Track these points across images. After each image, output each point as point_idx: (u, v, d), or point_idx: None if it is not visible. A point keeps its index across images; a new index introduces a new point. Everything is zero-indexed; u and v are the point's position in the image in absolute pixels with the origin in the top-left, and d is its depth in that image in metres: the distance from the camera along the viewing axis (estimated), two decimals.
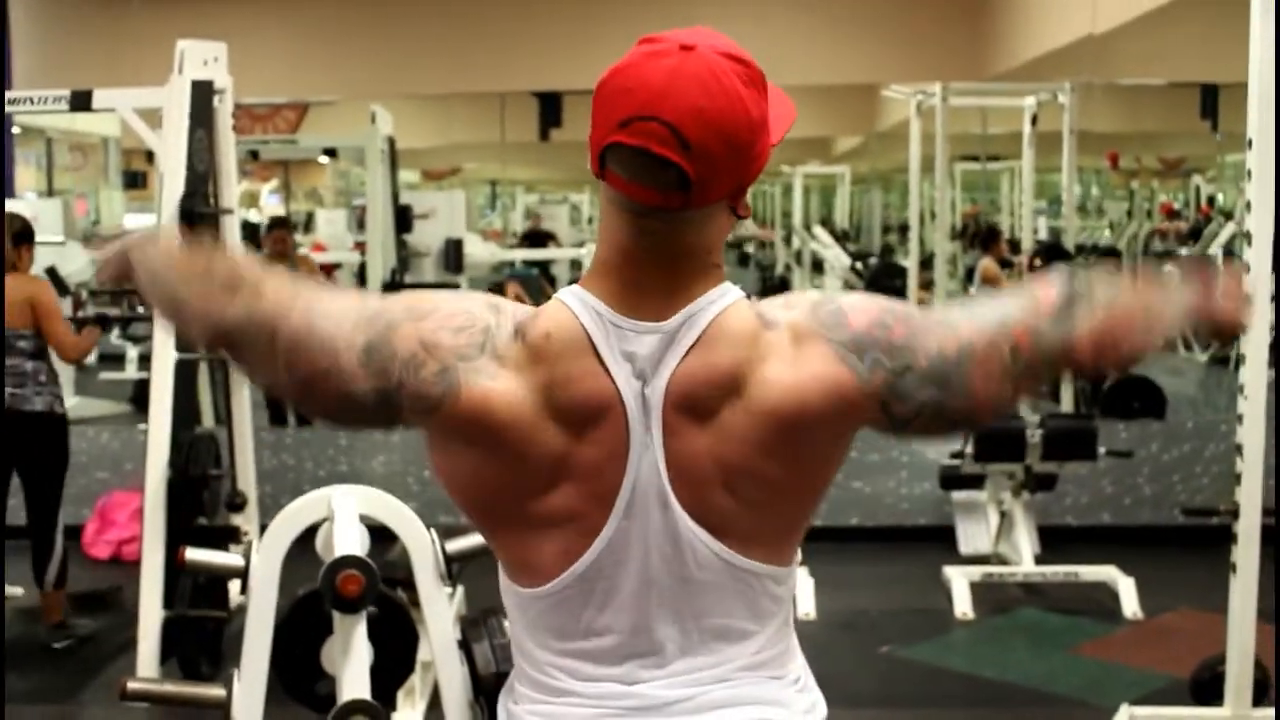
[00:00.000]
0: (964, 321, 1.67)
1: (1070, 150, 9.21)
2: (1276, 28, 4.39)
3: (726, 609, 1.70)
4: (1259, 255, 4.61)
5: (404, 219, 9.04)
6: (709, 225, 1.63)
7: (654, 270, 1.63)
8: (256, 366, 1.68)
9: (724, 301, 1.64)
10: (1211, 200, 13.14)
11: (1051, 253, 8.89)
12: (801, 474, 1.69)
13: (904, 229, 12.07)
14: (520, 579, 1.71)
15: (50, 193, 13.17)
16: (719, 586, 1.69)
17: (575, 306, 1.63)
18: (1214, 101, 10.83)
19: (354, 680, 3.01)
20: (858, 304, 1.67)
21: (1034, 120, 9.20)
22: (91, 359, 6.12)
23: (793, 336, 1.64)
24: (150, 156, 13.78)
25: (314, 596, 3.29)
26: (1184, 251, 11.70)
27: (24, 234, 5.70)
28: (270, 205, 15.80)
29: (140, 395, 9.77)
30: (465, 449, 1.65)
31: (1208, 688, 4.81)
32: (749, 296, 1.68)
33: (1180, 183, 14.12)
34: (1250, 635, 4.66)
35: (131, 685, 3.37)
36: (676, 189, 1.56)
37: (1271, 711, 4.74)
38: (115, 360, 10.92)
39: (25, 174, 12.94)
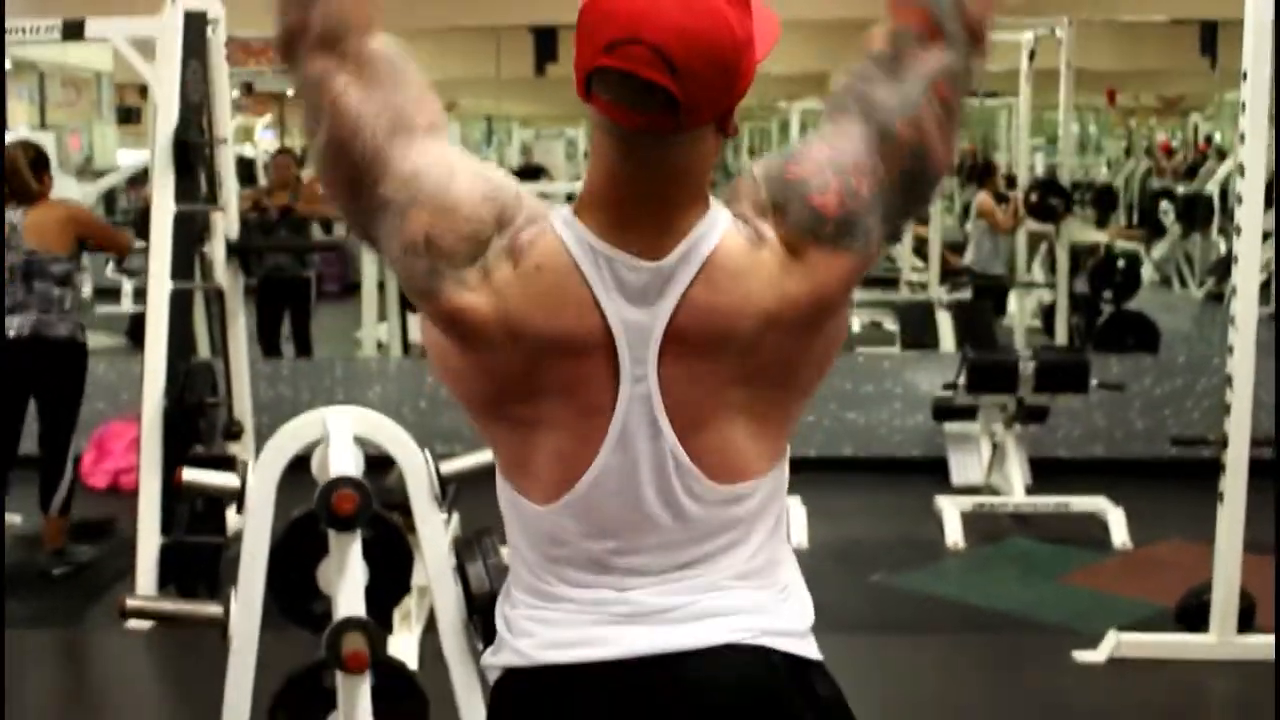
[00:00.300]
0: (857, 100, 1.72)
1: (1068, 86, 9.20)
2: None
3: (715, 527, 1.74)
4: (1251, 187, 4.66)
5: None
6: (698, 147, 1.64)
7: (646, 196, 1.64)
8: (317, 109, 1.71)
9: (717, 232, 1.66)
10: (1209, 138, 13.15)
11: (1047, 188, 8.94)
12: (805, 366, 1.74)
13: None
14: (515, 480, 1.75)
15: (43, 127, 13.15)
16: (708, 510, 1.72)
17: (568, 238, 1.64)
18: (1213, 38, 10.81)
19: (349, 598, 3.02)
20: (815, 188, 1.67)
21: (1031, 55, 9.21)
22: (86, 291, 6.21)
23: (786, 250, 1.67)
24: (144, 91, 13.74)
25: (309, 518, 3.30)
26: (1180, 189, 11.73)
27: (41, 161, 5.77)
28: (265, 140, 15.80)
29: (136, 329, 9.80)
30: (447, 338, 1.69)
31: (1194, 615, 4.90)
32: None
33: (1179, 121, 14.11)
34: (1236, 563, 4.75)
35: (130, 603, 3.41)
36: (665, 111, 1.56)
37: (1256, 638, 4.83)
38: (111, 294, 11.01)
39: (18, 108, 12.93)
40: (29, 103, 13.47)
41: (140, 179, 12.62)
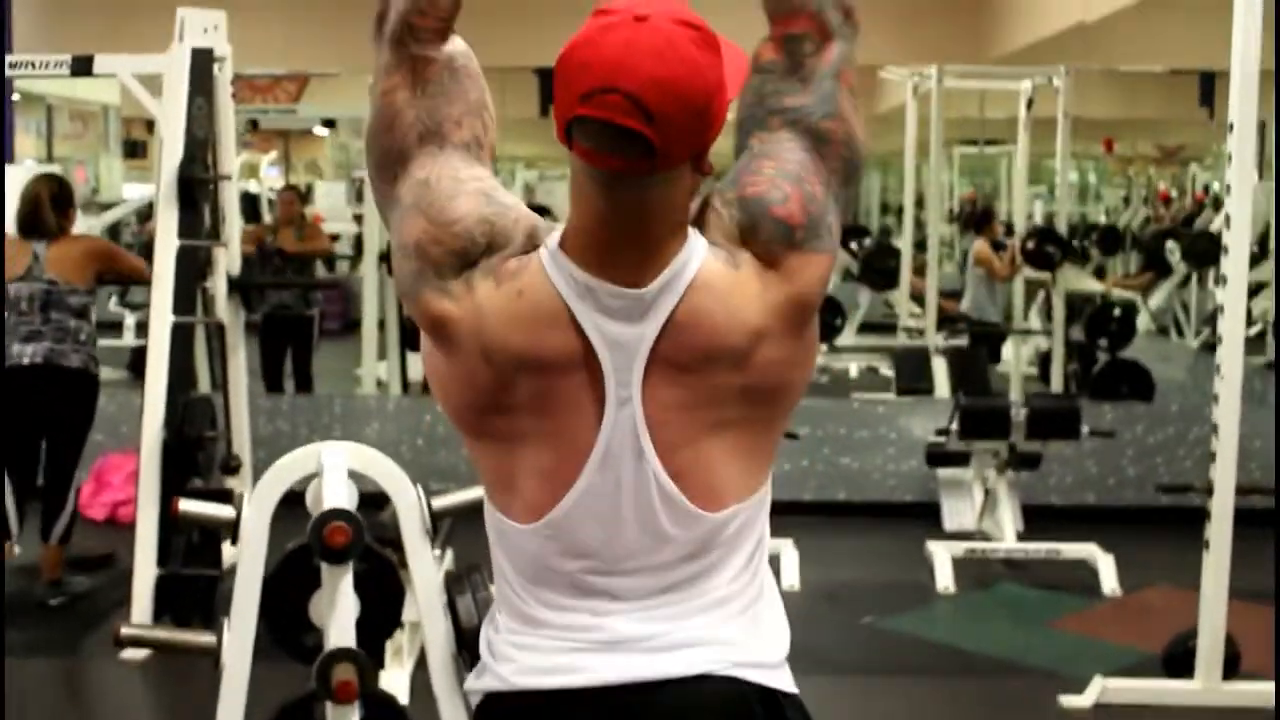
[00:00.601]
0: (769, 99, 1.79)
1: (1064, 134, 9.26)
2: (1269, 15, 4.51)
3: (694, 553, 1.77)
4: (1237, 238, 4.72)
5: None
6: (675, 186, 1.69)
7: (627, 234, 1.69)
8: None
9: (697, 259, 1.71)
10: (1207, 188, 13.21)
11: (1044, 236, 9.00)
12: (797, 372, 1.79)
13: (901, 211, 12.14)
14: (498, 498, 1.80)
15: (50, 159, 13.21)
16: (688, 534, 1.76)
17: (551, 269, 1.70)
18: (1211, 89, 10.85)
19: (340, 629, 3.06)
20: (779, 198, 1.74)
21: (1029, 104, 9.28)
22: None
23: (762, 264, 1.73)
24: (150, 125, 13.83)
25: (304, 550, 3.35)
26: (1170, 242, 11.77)
27: (65, 196, 5.87)
28: (270, 177, 15.88)
29: (137, 362, 9.82)
30: (430, 340, 1.77)
31: (1180, 661, 4.93)
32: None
33: (1177, 170, 14.15)
34: (1222, 610, 4.77)
35: (125, 631, 3.43)
36: (642, 156, 1.62)
37: (1241, 685, 4.85)
38: (113, 327, 10.99)
39: (25, 141, 12.99)
40: (36, 136, 13.54)
41: (146, 213, 12.69)
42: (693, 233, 1.74)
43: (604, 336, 1.70)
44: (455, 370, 1.74)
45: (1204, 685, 4.82)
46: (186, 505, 3.36)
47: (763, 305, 1.72)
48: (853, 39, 1.83)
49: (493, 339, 1.70)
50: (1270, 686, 4.85)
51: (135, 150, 14.34)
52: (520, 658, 1.80)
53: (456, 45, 1.81)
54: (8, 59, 5.89)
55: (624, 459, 1.73)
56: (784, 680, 1.82)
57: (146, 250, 7.36)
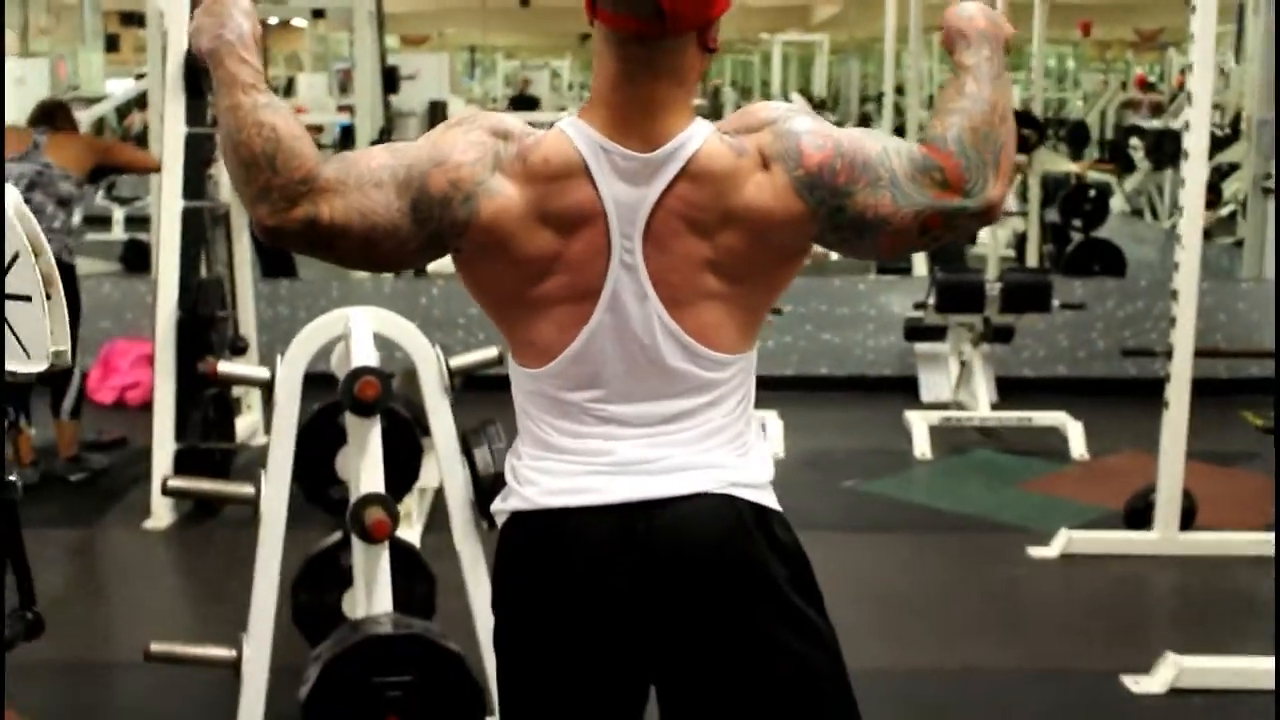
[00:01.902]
0: (893, 160, 1.93)
1: (1041, 19, 9.30)
2: None
3: (691, 388, 1.97)
4: (1198, 114, 4.92)
5: (391, 80, 9.14)
6: (683, 55, 1.90)
7: (639, 98, 1.89)
8: (317, 223, 1.88)
9: (700, 137, 1.91)
10: (1183, 72, 13.28)
11: (1020, 119, 9.11)
12: (763, 270, 1.97)
13: (881, 98, 12.19)
14: (523, 358, 2.00)
15: (27, 53, 13.16)
16: (686, 370, 1.96)
17: (572, 134, 1.91)
18: None
19: (370, 476, 3.23)
20: (812, 141, 1.92)
21: None
22: (76, 219, 6.37)
23: (760, 161, 1.92)
24: (127, 19, 13.79)
25: (330, 409, 3.59)
26: (1155, 124, 11.89)
27: (73, 120, 6.11)
28: None
29: (129, 254, 9.98)
30: (483, 256, 1.93)
31: (1140, 515, 5.21)
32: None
33: (1156, 55, 14.10)
34: (1179, 465, 5.02)
35: (172, 483, 3.63)
36: (654, 17, 1.83)
37: (1196, 535, 5.12)
38: (102, 222, 11.06)
39: None
40: (11, 31, 13.45)
41: (127, 109, 12.69)
42: (699, 118, 1.94)
43: (613, 194, 1.89)
44: (510, 259, 1.91)
45: (1162, 535, 5.09)
46: (225, 366, 3.59)
47: (742, 198, 1.91)
48: (969, 217, 1.95)
49: (540, 201, 1.89)
50: (1227, 536, 5.20)
51: (114, 44, 14.25)
52: (542, 481, 1.99)
53: (327, 165, 1.87)
54: None
55: (630, 302, 1.91)
56: (770, 499, 2.01)
57: (139, 142, 7.46)
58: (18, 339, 2.22)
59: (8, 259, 2.17)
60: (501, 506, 2.06)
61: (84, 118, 11.33)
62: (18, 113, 6.81)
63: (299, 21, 15.15)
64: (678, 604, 1.97)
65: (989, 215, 1.96)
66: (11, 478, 2.77)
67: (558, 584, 2.00)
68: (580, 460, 1.99)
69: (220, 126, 1.88)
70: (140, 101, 9.79)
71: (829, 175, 1.91)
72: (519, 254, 1.91)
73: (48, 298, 2.21)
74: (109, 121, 12.69)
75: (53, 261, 2.17)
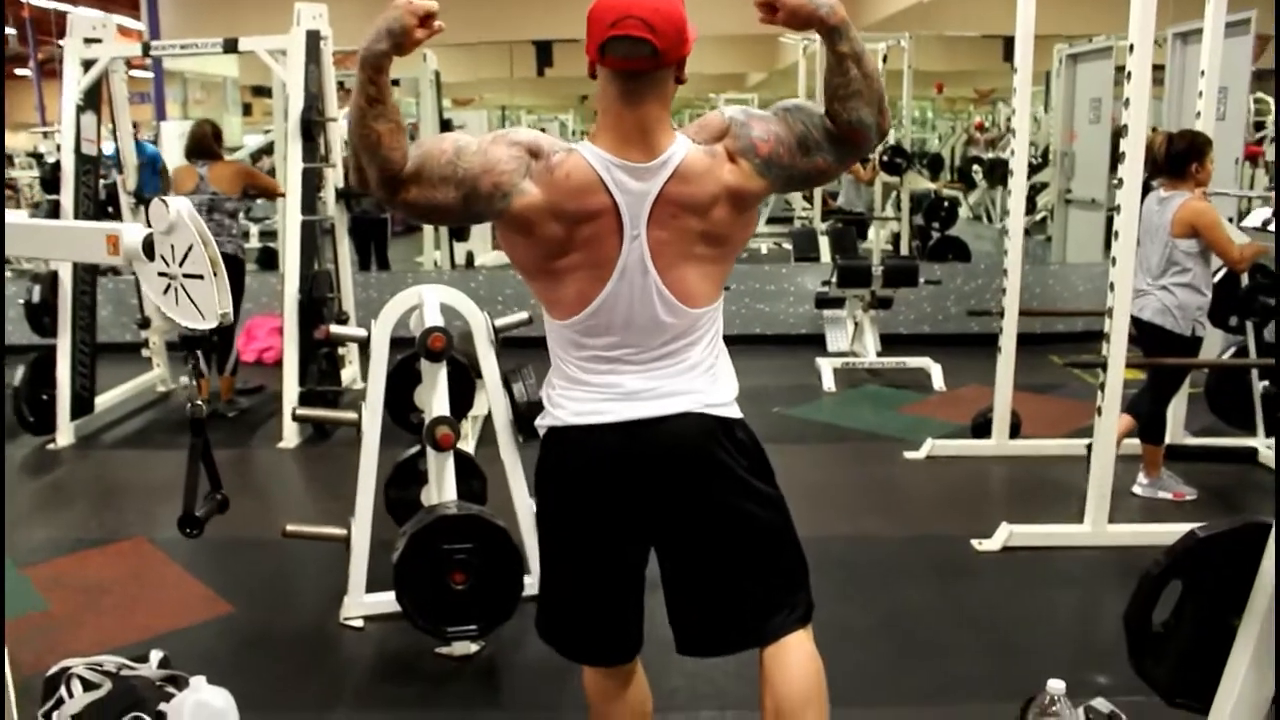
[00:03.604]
0: (815, 134, 1.95)
1: (908, 82, 9.35)
2: None
3: (677, 335, 1.97)
4: (1019, 146, 4.91)
5: (447, 129, 9.15)
6: (666, 84, 1.90)
7: (638, 118, 1.87)
8: (394, 200, 1.92)
9: (683, 150, 1.91)
10: (1009, 119, 13.27)
11: (895, 152, 9.09)
12: (738, 230, 1.97)
13: None
14: (554, 313, 2.00)
15: (187, 118, 13.11)
16: (674, 323, 1.95)
17: (587, 155, 1.89)
18: (1012, 48, 10.82)
19: (439, 404, 3.26)
20: (760, 137, 1.93)
21: (884, 59, 9.35)
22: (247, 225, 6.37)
23: (728, 157, 1.93)
24: (258, 91, 13.70)
25: (409, 359, 3.56)
26: (990, 155, 11.87)
27: (218, 134, 5.95)
28: (341, 124, 15.67)
29: (262, 258, 9.92)
30: (516, 234, 1.93)
31: (982, 428, 5.25)
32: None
33: (990, 107, 14.12)
34: (1008, 393, 5.05)
35: (299, 411, 3.63)
36: (650, 56, 1.84)
37: (1021, 442, 5.13)
38: (242, 235, 11.04)
39: (169, 106, 12.93)
40: (176, 102, 13.43)
41: (258, 155, 12.65)
42: (680, 135, 1.93)
43: (623, 191, 1.88)
44: (534, 239, 1.90)
45: (997, 442, 5.14)
46: (335, 328, 3.57)
47: (722, 183, 1.92)
48: (877, 139, 1.98)
49: (557, 204, 1.88)
50: (1041, 442, 5.23)
51: (248, 110, 14.17)
52: (569, 405, 2.01)
53: (409, 160, 1.88)
54: (179, 41, 5.95)
55: (635, 273, 1.91)
56: (734, 411, 2.04)
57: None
58: (195, 305, 2.22)
59: (183, 251, 2.17)
60: (541, 423, 2.08)
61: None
62: (178, 160, 6.75)
63: None
64: (668, 489, 1.99)
65: (884, 138, 2.05)
66: (199, 402, 2.79)
67: (583, 477, 2.02)
68: (597, 390, 1.99)
69: (349, 115, 1.88)
70: (268, 150, 9.75)
71: (776, 159, 1.94)
72: (539, 237, 1.91)
73: (214, 275, 2.21)
74: (246, 164, 12.63)
75: (218, 250, 2.17)
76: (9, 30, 19.79)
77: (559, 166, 1.89)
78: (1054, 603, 3.71)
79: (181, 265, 2.17)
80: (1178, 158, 4.32)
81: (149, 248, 2.23)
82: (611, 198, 1.88)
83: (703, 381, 2.00)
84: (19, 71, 21.84)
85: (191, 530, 2.94)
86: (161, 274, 2.21)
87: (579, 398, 2.00)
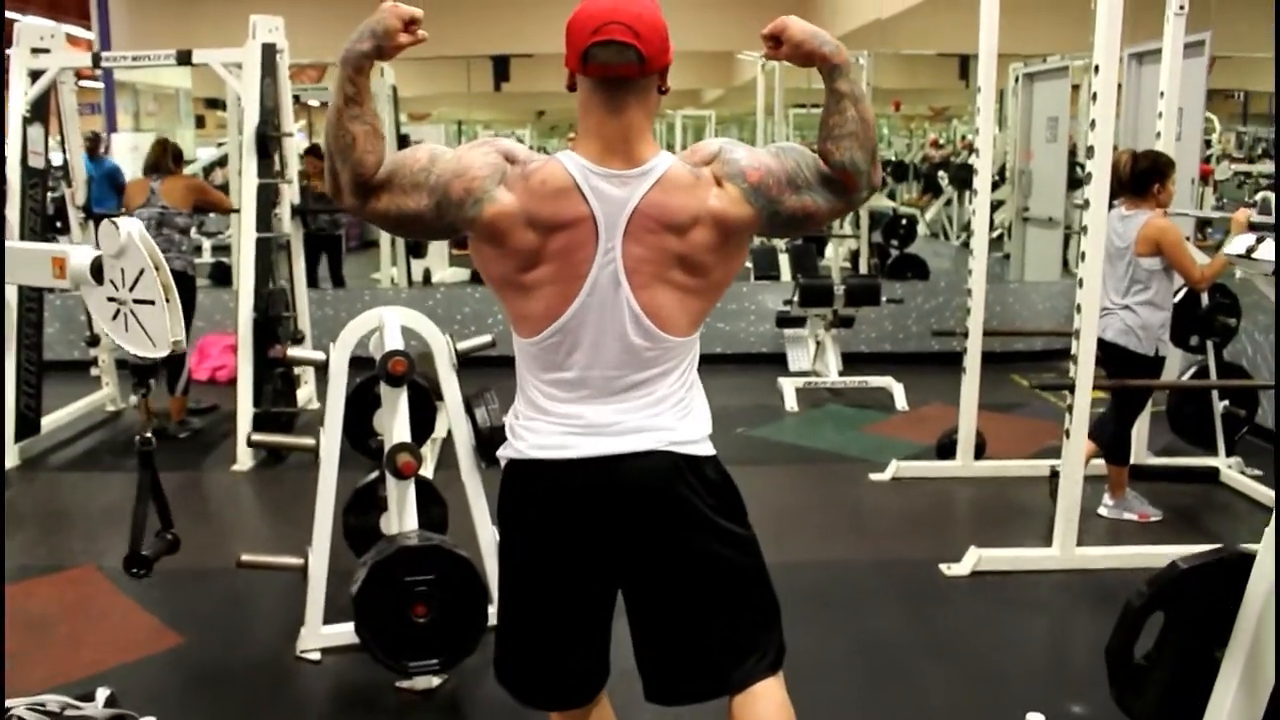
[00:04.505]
0: (806, 174, 1.88)
1: (867, 99, 9.39)
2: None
3: (646, 363, 1.87)
4: (983, 165, 4.91)
5: (403, 145, 9.05)
6: (650, 92, 1.83)
7: (621, 126, 1.80)
8: (364, 208, 1.87)
9: (668, 161, 1.84)
10: (964, 136, 13.41)
11: None
12: (720, 262, 1.87)
13: None
14: (521, 330, 1.90)
15: (138, 130, 12.93)
16: (645, 346, 1.85)
17: (565, 162, 1.82)
18: (967, 66, 10.97)
19: (400, 430, 3.18)
20: (750, 164, 1.86)
21: None
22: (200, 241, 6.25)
23: (715, 181, 1.85)
24: (211, 104, 13.52)
25: (368, 382, 3.48)
26: (941, 172, 11.97)
27: (179, 153, 5.94)
28: (297, 139, 15.53)
29: (215, 273, 9.76)
30: (487, 244, 1.84)
31: (947, 449, 5.22)
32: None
33: (944, 124, 14.27)
34: (973, 414, 5.03)
35: (255, 436, 3.55)
36: (635, 62, 1.78)
37: (985, 463, 5.12)
38: (195, 250, 10.84)
39: (124, 118, 12.79)
40: (127, 114, 13.25)
41: (211, 168, 12.48)
42: (663, 149, 1.86)
43: (600, 199, 1.80)
44: (506, 249, 1.82)
45: (962, 463, 5.11)
46: (293, 351, 3.46)
47: (704, 204, 1.83)
48: (866, 189, 1.90)
49: (532, 211, 1.80)
50: (1006, 462, 5.21)
51: (201, 123, 14.00)
52: (530, 437, 1.91)
53: (383, 167, 1.85)
54: (131, 54, 5.84)
55: (607, 288, 1.81)
56: (704, 449, 1.93)
57: (223, 191, 7.33)
58: (146, 332, 2.12)
59: (134, 276, 2.07)
60: (503, 453, 1.98)
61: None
62: (134, 174, 6.65)
63: None
64: (633, 531, 1.90)
65: (874, 191, 1.96)
66: (148, 434, 2.67)
67: (544, 516, 1.93)
68: (559, 421, 1.90)
69: (327, 115, 1.83)
70: (221, 162, 9.62)
71: (765, 189, 1.86)
72: (511, 247, 1.83)
73: (167, 301, 2.10)
74: (197, 177, 12.47)
75: (170, 275, 2.07)
76: None
77: (535, 173, 1.83)
78: (1026, 629, 3.66)
79: (132, 290, 2.06)
80: (1141, 176, 4.32)
81: (98, 271, 2.12)
82: (588, 205, 1.81)
83: (671, 416, 1.91)
84: None
85: (138, 571, 2.81)
86: (111, 299, 2.10)
87: (541, 429, 1.91)
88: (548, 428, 1.91)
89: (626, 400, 1.89)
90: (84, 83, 10.98)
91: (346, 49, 1.81)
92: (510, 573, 2.03)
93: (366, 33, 1.80)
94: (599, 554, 1.92)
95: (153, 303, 2.02)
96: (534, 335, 1.89)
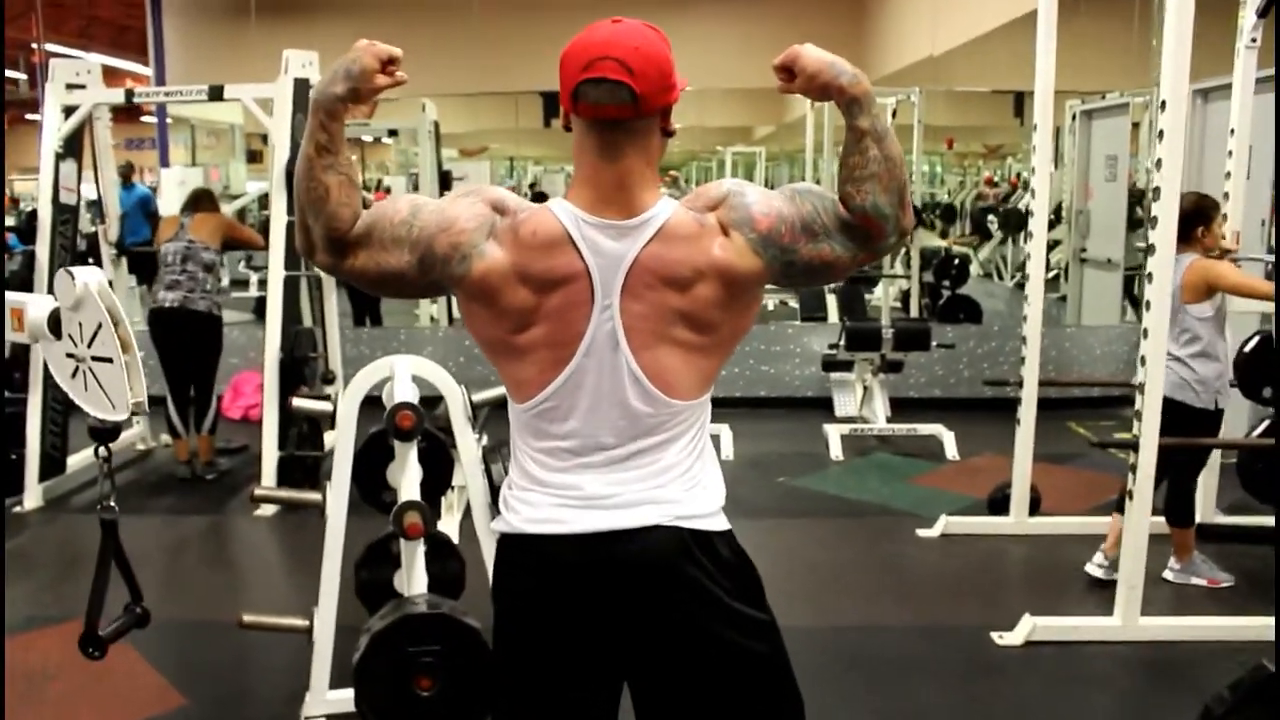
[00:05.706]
0: (824, 218, 1.68)
1: (919, 137, 9.15)
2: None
3: (649, 429, 1.70)
4: (1039, 205, 4.66)
5: (445, 182, 8.94)
6: (650, 135, 1.66)
7: (617, 173, 1.64)
8: (340, 266, 1.68)
9: (669, 209, 1.67)
10: (1018, 175, 13.15)
11: None
12: (728, 318, 1.70)
13: None
14: (515, 395, 1.74)
15: (194, 164, 13.02)
16: (648, 412, 1.69)
17: (558, 211, 1.66)
18: (1022, 103, 10.77)
19: (409, 488, 3.01)
20: (760, 210, 1.68)
21: (894, 114, 9.17)
22: (225, 281, 6.19)
23: (720, 229, 1.67)
24: (265, 139, 13.60)
25: (381, 433, 3.29)
26: (991, 216, 11.70)
27: (214, 200, 5.95)
28: None
29: (260, 308, 9.70)
30: (477, 304, 1.68)
31: (999, 504, 4.94)
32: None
33: (998, 162, 14.05)
34: (1028, 468, 4.77)
35: (258, 491, 3.38)
36: (629, 102, 1.59)
37: (1041, 519, 4.86)
38: (242, 284, 10.88)
39: (176, 152, 12.87)
40: (184, 148, 13.35)
41: (264, 201, 12.56)
42: (665, 195, 1.69)
43: (595, 252, 1.64)
44: (498, 309, 1.66)
45: (1016, 519, 4.84)
46: (298, 402, 3.32)
47: (709, 257, 1.65)
48: (894, 235, 1.70)
49: (523, 266, 1.64)
50: (1063, 519, 4.92)
51: (255, 157, 14.11)
52: (523, 510, 1.74)
53: (360, 221, 1.69)
54: (164, 90, 5.78)
55: (605, 349, 1.66)
56: (716, 523, 1.74)
57: (265, 227, 7.28)
58: (105, 393, 1.91)
59: (91, 331, 1.87)
60: (495, 526, 1.81)
61: (229, 209, 11.19)
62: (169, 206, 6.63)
63: (387, 139, 14.98)
64: (635, 615, 1.70)
65: (904, 238, 1.74)
66: (110, 502, 2.47)
67: (537, 594, 1.75)
68: (554, 492, 1.72)
69: (296, 164, 1.67)
70: (265, 197, 9.64)
71: (776, 237, 1.67)
72: (503, 306, 1.66)
73: (126, 358, 1.90)
74: (251, 210, 12.53)
75: (129, 329, 1.86)
76: (19, 76, 19.76)
77: (525, 223, 1.66)
78: (1087, 707, 3.37)
79: (90, 346, 1.86)
80: (1184, 220, 3.95)
81: (55, 324, 1.92)
82: (582, 259, 1.64)
83: (677, 488, 1.72)
84: (30, 116, 21.83)
85: (94, 651, 2.59)
86: (69, 355, 1.90)
87: (534, 501, 1.74)
88: (542, 499, 1.73)
89: (627, 470, 1.71)
90: (144, 118, 11.01)
91: (318, 92, 1.63)
92: (505, 659, 1.83)
93: (341, 74, 1.63)
94: (599, 640, 1.73)
95: (111, 360, 1.82)
96: (527, 400, 1.72)
